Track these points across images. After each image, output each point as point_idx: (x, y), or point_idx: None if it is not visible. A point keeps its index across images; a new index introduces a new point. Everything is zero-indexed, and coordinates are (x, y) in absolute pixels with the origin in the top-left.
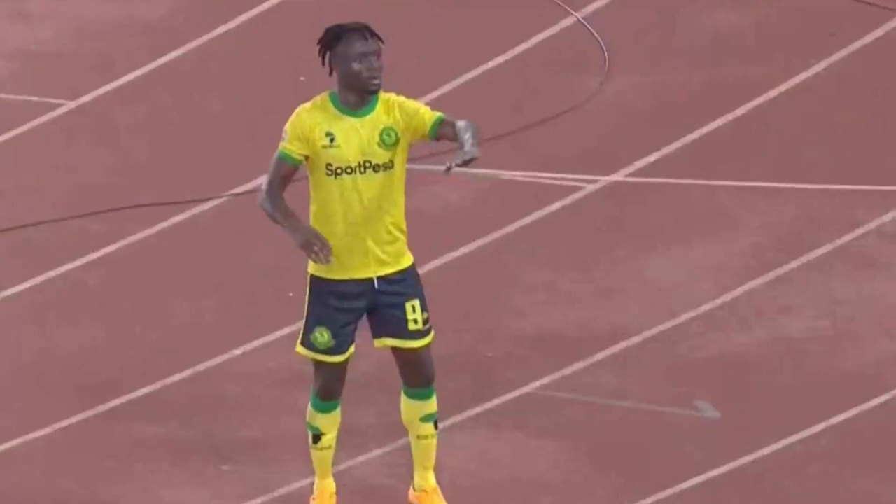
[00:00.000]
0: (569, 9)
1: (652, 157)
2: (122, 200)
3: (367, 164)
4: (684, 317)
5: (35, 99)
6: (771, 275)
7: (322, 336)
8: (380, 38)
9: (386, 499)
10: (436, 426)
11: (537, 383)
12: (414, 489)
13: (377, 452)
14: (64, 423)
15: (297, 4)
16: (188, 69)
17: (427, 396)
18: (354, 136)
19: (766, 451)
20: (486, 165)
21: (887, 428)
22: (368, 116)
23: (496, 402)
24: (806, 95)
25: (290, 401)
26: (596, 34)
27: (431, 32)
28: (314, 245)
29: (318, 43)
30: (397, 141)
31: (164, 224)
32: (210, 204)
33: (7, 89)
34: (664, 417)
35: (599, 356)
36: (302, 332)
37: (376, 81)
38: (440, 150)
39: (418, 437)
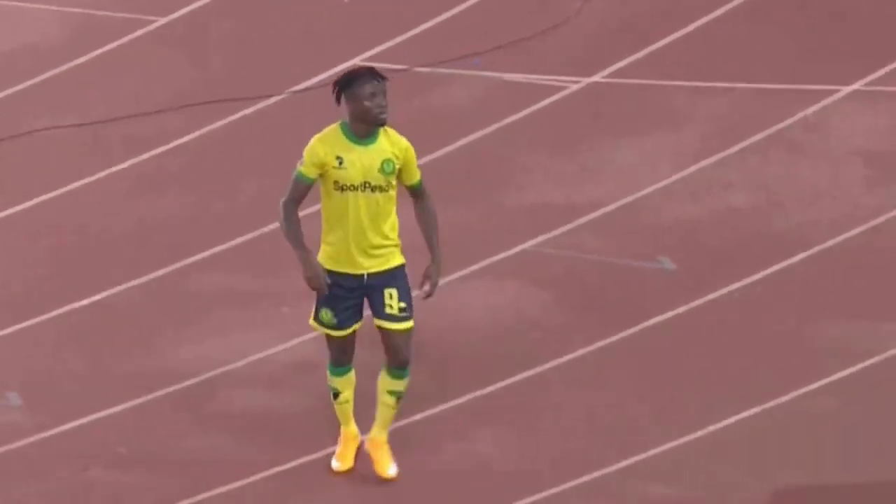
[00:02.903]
0: None
1: (622, 63)
2: (201, 97)
3: (367, 185)
4: (648, 190)
5: (133, 16)
6: (716, 157)
7: (326, 315)
8: (385, 78)
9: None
10: (398, 401)
11: (532, 242)
12: (369, 438)
13: None
14: (155, 275)
15: None
16: None
17: (399, 377)
18: (359, 161)
19: (712, 296)
20: (491, 69)
21: (809, 277)
22: (372, 146)
23: (499, 257)
24: (742, 15)
25: None
26: None
27: None
28: (315, 283)
29: (334, 84)
30: (394, 171)
31: (235, 116)
32: (273, 99)
33: (110, 8)
34: (632, 269)
35: (581, 221)
36: (314, 309)
37: (383, 116)
38: (457, 56)
39: (383, 403)
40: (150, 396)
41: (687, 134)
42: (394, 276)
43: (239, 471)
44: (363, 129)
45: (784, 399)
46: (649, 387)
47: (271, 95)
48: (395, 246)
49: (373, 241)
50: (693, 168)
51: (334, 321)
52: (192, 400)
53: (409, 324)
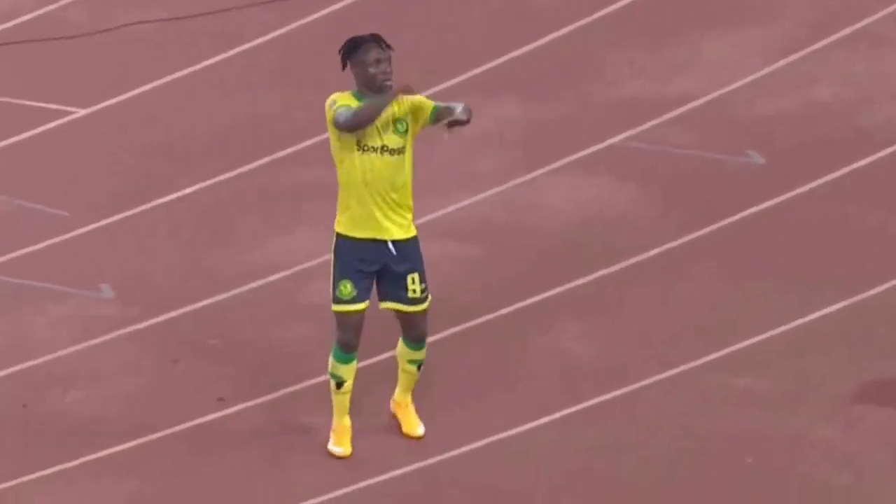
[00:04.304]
0: None
1: None
2: None
3: (385, 148)
4: (737, 84)
5: None
6: (805, 52)
7: (346, 287)
8: (390, 47)
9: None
10: (419, 369)
11: (620, 137)
12: (394, 400)
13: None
14: (244, 169)
15: None
16: None
17: (419, 348)
18: (376, 125)
19: (801, 190)
20: None
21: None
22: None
23: (588, 151)
24: None
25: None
26: None
27: None
28: (404, 86)
29: (340, 52)
30: (407, 130)
31: (324, 11)
32: None
33: None
34: (721, 163)
35: (670, 115)
36: (331, 292)
37: (389, 83)
38: None
39: (403, 370)
40: (240, 289)
41: (775, 28)
42: (413, 257)
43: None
44: (371, 95)
45: (872, 292)
46: (736, 281)
47: None
48: (410, 216)
49: (391, 206)
50: (781, 62)
51: (354, 293)
52: (281, 292)
53: (428, 301)
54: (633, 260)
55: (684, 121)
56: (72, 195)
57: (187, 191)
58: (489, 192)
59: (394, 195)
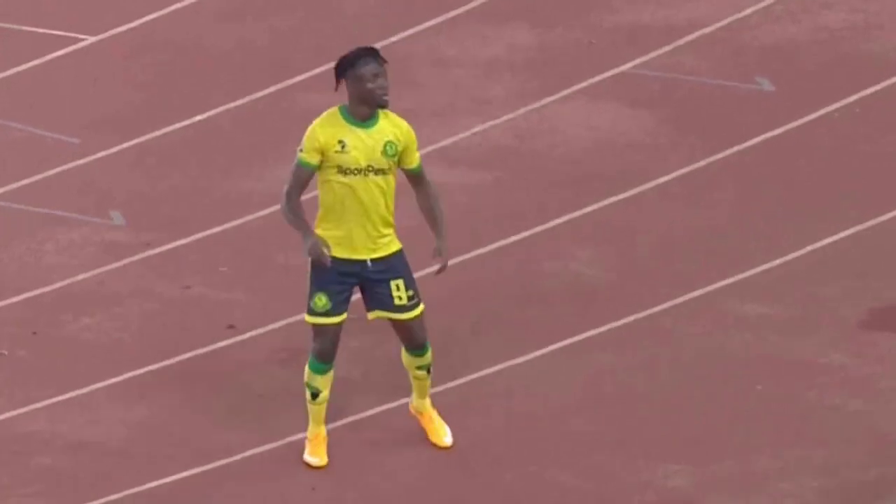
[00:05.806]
0: None
1: None
2: None
3: (371, 168)
4: (747, 11)
5: None
6: None
7: (321, 300)
8: (385, 61)
9: None
10: (428, 372)
11: (630, 63)
12: (413, 407)
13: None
14: (256, 95)
15: None
16: None
17: (422, 354)
18: (362, 144)
19: (811, 116)
20: None
21: None
22: (374, 128)
23: (597, 78)
24: None
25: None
26: None
27: None
28: (320, 253)
29: (336, 68)
30: (396, 153)
31: None
32: None
33: None
34: (731, 90)
35: (680, 42)
36: (307, 303)
37: (386, 97)
38: None
39: (415, 377)
40: (251, 216)
41: None
42: (395, 266)
43: None
44: (364, 111)
45: (883, 218)
46: (748, 207)
47: None
48: (393, 233)
49: (376, 224)
50: None
51: (329, 306)
52: None
53: (420, 308)
54: (644, 186)
55: (694, 48)
56: (82, 122)
57: (198, 118)
58: (500, 119)
59: (377, 219)
